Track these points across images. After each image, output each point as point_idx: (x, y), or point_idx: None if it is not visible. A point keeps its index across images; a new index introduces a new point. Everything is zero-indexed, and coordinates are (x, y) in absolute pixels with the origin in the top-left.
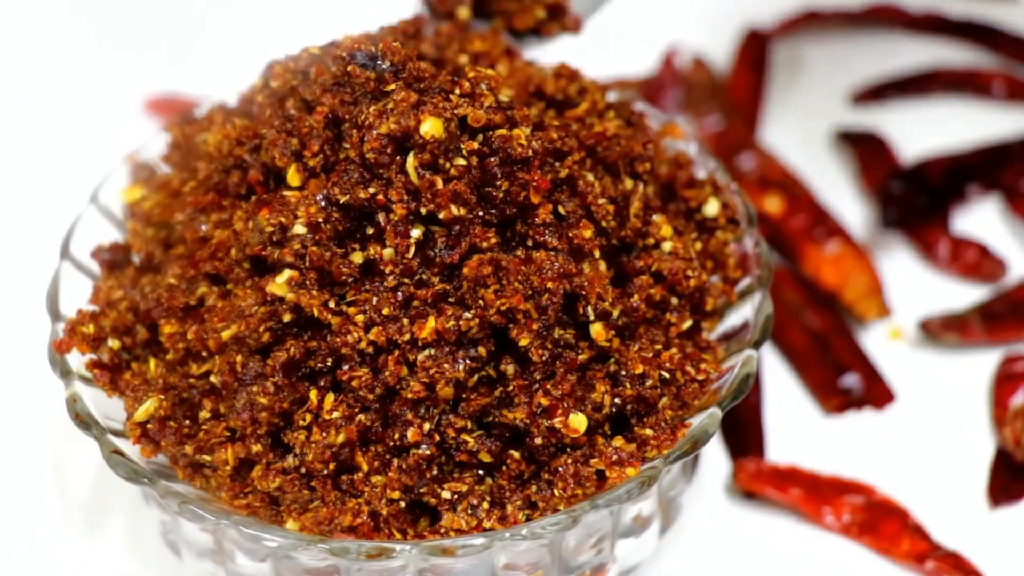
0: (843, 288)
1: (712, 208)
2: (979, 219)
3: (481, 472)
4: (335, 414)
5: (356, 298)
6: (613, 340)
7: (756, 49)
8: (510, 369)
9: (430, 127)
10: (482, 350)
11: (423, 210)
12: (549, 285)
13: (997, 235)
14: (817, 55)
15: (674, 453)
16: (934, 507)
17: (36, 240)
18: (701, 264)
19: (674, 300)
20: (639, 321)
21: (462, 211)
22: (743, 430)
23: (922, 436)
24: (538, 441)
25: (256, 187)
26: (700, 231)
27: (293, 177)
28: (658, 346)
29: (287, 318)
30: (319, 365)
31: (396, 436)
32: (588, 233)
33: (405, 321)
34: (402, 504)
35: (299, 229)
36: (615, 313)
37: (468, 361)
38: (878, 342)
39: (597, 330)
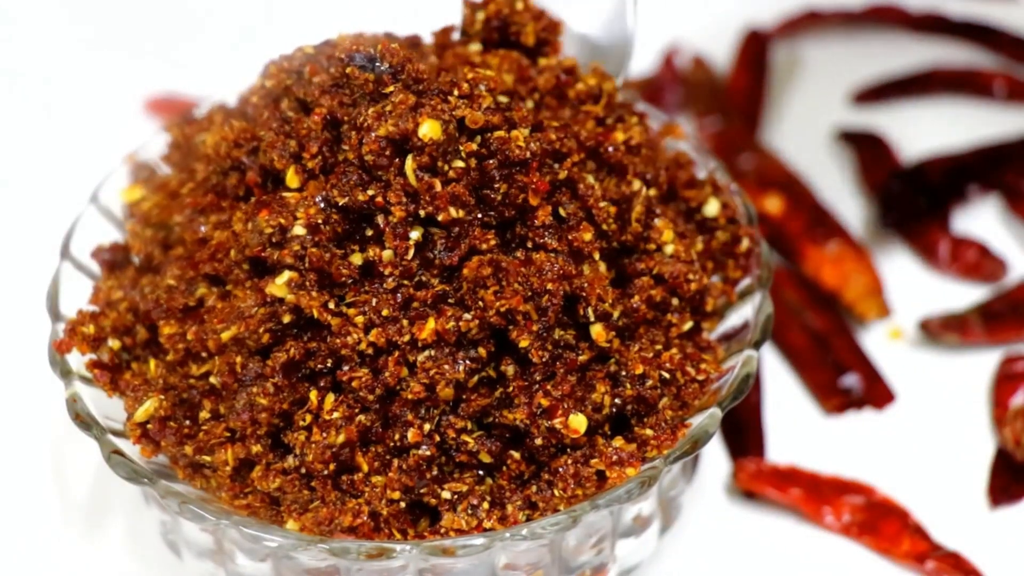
0: (843, 288)
1: (712, 208)
2: (979, 219)
3: (481, 472)
4: (335, 415)
5: (356, 299)
6: (613, 341)
7: (756, 49)
8: (510, 370)
9: (428, 129)
10: (482, 351)
11: (422, 212)
12: (549, 286)
13: (997, 235)
14: (817, 55)
15: (674, 453)
16: (934, 507)
17: (36, 240)
18: (702, 265)
19: (674, 301)
20: (639, 322)
21: (461, 213)
22: (743, 430)
23: (922, 436)
24: (538, 441)
25: (255, 189)
26: (700, 231)
27: (292, 179)
28: (658, 346)
29: (287, 319)
30: (319, 366)
31: (396, 437)
32: (588, 236)
33: (405, 322)
34: (402, 504)
35: (298, 230)
36: (615, 314)
37: (468, 362)
38: (878, 342)
39: (597, 331)
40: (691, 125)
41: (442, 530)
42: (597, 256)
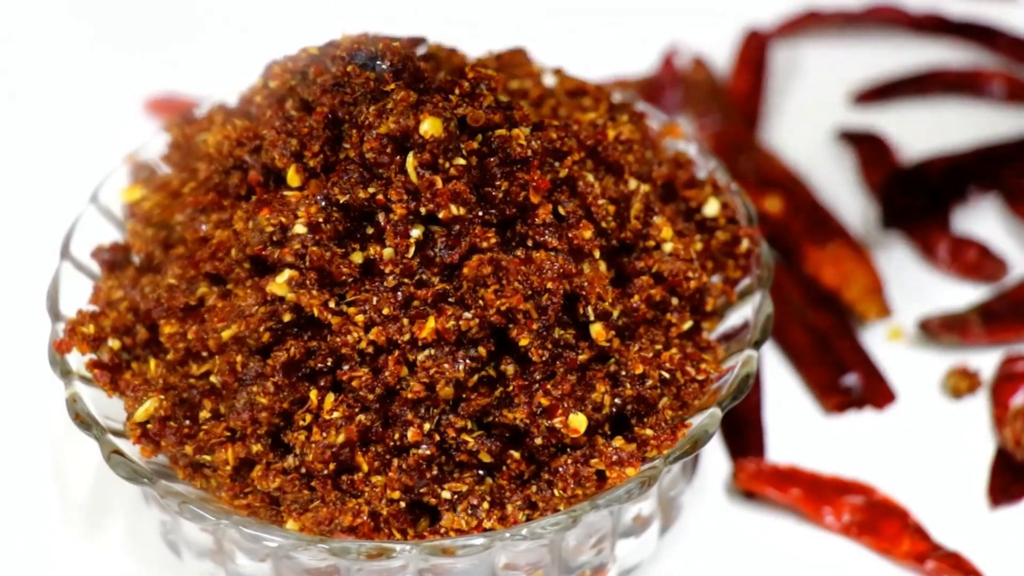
0: (843, 288)
1: (712, 208)
2: (979, 219)
3: (481, 472)
4: (335, 414)
5: (356, 298)
6: (613, 340)
7: (756, 49)
8: (510, 369)
9: (429, 127)
10: (482, 350)
11: (423, 210)
12: (549, 285)
13: (997, 235)
14: (817, 55)
15: (674, 453)
16: (934, 507)
17: (36, 240)
18: (701, 264)
19: (674, 300)
20: (639, 321)
21: (462, 211)
22: (743, 430)
23: (922, 436)
24: (538, 441)
25: (256, 187)
26: (700, 231)
27: (293, 177)
28: (658, 346)
29: (287, 318)
30: (319, 365)
31: (396, 436)
32: (588, 234)
33: (405, 321)
34: (402, 504)
35: (299, 229)
36: (615, 313)
37: (468, 361)
38: (878, 342)
39: (597, 330)
40: (691, 125)
41: (442, 530)
42: (597, 254)
